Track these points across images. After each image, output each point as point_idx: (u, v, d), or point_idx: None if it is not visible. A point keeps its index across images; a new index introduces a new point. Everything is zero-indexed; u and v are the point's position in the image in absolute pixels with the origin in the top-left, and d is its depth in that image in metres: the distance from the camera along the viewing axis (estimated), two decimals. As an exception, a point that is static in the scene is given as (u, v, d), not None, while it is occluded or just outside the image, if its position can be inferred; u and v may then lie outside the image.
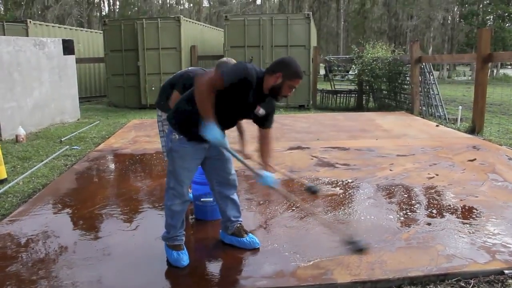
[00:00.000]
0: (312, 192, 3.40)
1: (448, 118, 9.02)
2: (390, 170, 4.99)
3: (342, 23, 40.10)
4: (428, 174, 4.80)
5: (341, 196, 4.09)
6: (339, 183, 4.51)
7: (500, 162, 5.30)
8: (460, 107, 8.85)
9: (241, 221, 3.06)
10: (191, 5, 47.05)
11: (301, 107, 12.36)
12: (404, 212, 3.63)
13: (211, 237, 3.21)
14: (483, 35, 7.33)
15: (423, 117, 9.24)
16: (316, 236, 3.18)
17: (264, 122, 2.82)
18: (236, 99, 2.56)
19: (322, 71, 23.69)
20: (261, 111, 2.69)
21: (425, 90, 9.75)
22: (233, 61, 3.85)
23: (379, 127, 7.89)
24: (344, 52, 36.49)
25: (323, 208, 3.76)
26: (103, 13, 43.57)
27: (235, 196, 3.02)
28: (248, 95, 2.56)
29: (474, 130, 7.36)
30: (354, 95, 12.81)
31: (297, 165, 5.30)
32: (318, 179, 4.65)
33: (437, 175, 4.75)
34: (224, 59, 3.56)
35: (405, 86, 10.72)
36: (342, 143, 6.47)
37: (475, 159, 5.46)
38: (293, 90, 2.62)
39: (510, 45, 37.66)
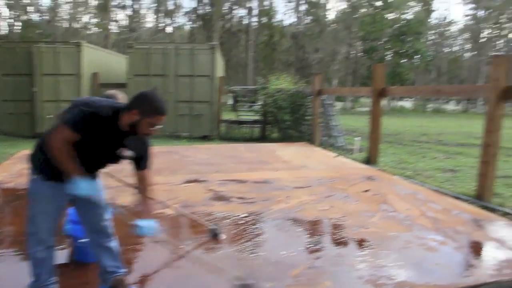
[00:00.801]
0: (214, 235, 3.23)
1: (348, 149, 9.29)
2: (286, 203, 4.92)
3: (251, 53, 40.94)
4: (323, 206, 4.79)
5: (233, 232, 3.92)
6: (233, 218, 4.35)
7: (392, 192, 5.44)
8: (359, 138, 9.16)
9: (121, 272, 2.73)
10: (101, 30, 45.81)
11: (205, 138, 12.22)
12: (296, 247, 3.54)
13: (92, 281, 2.89)
14: (377, 70, 7.67)
15: (323, 148, 9.44)
16: (204, 279, 2.98)
17: (139, 163, 2.58)
18: (94, 142, 2.33)
19: (231, 101, 23.92)
20: (128, 152, 2.46)
21: (326, 121, 10.02)
22: (120, 94, 3.60)
23: (279, 158, 7.91)
24: (253, 82, 37.17)
25: (214, 245, 3.57)
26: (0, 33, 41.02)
27: (111, 244, 2.70)
28: (104, 137, 2.33)
29: (370, 160, 7.61)
30: (258, 125, 12.91)
31: (192, 199, 5.08)
32: (211, 214, 4.45)
33: (331, 207, 4.76)
34: (112, 91, 3.32)
35: (308, 117, 10.97)
36: (241, 176, 6.36)
37: (369, 190, 5.57)
38: (156, 127, 2.38)
39: (406, 79, 40.46)
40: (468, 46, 56.74)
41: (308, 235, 3.86)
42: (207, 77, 12.22)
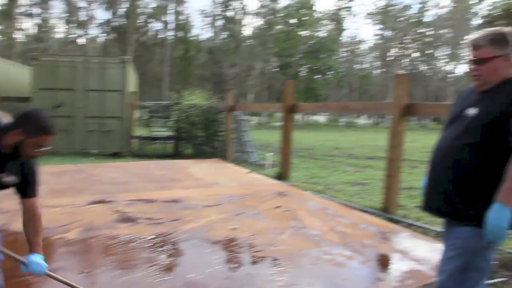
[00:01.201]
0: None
1: (261, 164, 9.29)
2: (195, 223, 4.75)
3: (167, 68, 40.44)
4: (233, 225, 4.67)
5: (139, 256, 3.68)
6: (139, 240, 4.10)
7: (302, 208, 5.45)
8: (271, 153, 9.19)
9: None
10: (4, 38, 43.07)
11: (116, 155, 11.74)
12: (205, 269, 3.37)
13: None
14: (288, 87, 7.75)
15: (236, 164, 9.38)
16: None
17: (24, 191, 2.29)
18: None
19: (147, 116, 23.20)
20: (9, 178, 2.18)
21: (239, 137, 9.98)
22: (3, 115, 3.27)
23: (191, 175, 7.72)
24: (168, 97, 36.64)
25: (117, 274, 3.32)
26: None
27: None
28: None
29: (282, 176, 7.63)
30: (172, 141, 12.63)
31: (96, 221, 4.75)
32: (116, 238, 4.18)
33: (241, 225, 4.65)
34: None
35: (221, 133, 10.89)
36: (150, 195, 6.09)
37: (279, 206, 5.54)
38: (42, 148, 2.14)
39: (319, 94, 41.86)
40: (377, 63, 60.01)
41: (217, 256, 3.71)
42: (118, 92, 11.80)
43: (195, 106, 11.18)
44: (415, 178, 8.14)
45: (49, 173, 7.56)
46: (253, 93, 42.37)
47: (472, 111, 2.19)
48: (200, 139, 11.59)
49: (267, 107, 13.90)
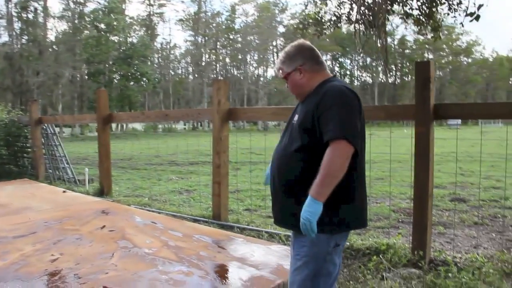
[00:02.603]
0: None
1: (78, 180, 8.55)
2: (3, 260, 4.04)
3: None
4: (52, 255, 4.09)
5: None
6: None
7: (129, 225, 5.07)
8: (87, 169, 8.51)
9: None
10: None
11: None
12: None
13: None
14: (101, 96, 7.20)
15: (50, 183, 8.47)
16: None
17: None
18: None
19: None
20: None
21: (50, 152, 9.04)
22: None
23: (-6, 201, 6.70)
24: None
25: None
26: None
27: None
28: None
29: (103, 192, 7.08)
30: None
31: None
32: None
33: (62, 254, 4.10)
34: None
35: (28, 150, 9.75)
36: None
37: (104, 226, 5.07)
38: None
39: (135, 101, 40.92)
40: (190, 69, 61.07)
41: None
42: None
43: (-7, 121, 9.82)
44: (240, 180, 8.31)
45: None
46: (62, 103, 39.47)
47: (295, 118, 2.29)
48: (3, 157, 10.23)
49: (79, 118, 12.80)
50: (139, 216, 5.56)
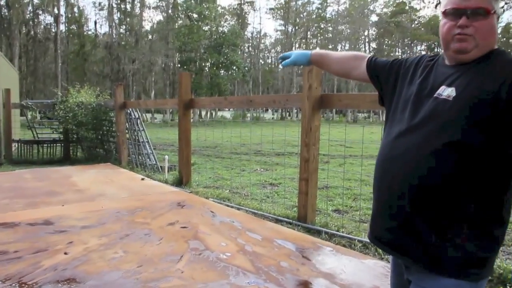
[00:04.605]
0: None
1: (161, 167, 8.27)
2: (65, 253, 3.66)
3: (60, 64, 37.53)
4: (115, 252, 3.65)
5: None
6: (-24, 290, 2.96)
7: (204, 222, 4.54)
8: (167, 156, 8.17)
9: None
10: None
11: (-9, 163, 10.08)
12: None
13: None
14: (183, 80, 6.75)
15: (132, 168, 8.24)
16: None
17: None
18: None
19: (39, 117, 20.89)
20: None
21: (134, 137, 8.84)
22: None
23: (73, 186, 6.50)
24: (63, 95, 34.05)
25: None
26: None
27: None
28: None
29: (181, 181, 6.66)
30: (60, 144, 11.14)
31: None
32: None
33: (125, 252, 3.64)
34: None
35: (114, 134, 9.67)
36: (13, 217, 4.85)
37: (176, 221, 4.58)
38: None
39: (224, 89, 41.18)
40: (280, 58, 60.77)
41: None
42: (-13, 90, 10.13)
43: (82, 104, 9.82)
44: (330, 175, 7.55)
45: None
46: (155, 89, 40.69)
47: (447, 92, 1.40)
48: (91, 141, 10.25)
49: (161, 103, 12.68)
50: (216, 211, 5.01)
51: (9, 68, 12.71)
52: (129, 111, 8.83)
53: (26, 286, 3.05)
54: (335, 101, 4.73)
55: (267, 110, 51.65)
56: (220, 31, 42.83)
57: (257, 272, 3.17)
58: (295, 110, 45.05)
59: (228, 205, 5.46)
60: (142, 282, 3.04)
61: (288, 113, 50.69)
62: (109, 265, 3.37)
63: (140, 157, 8.76)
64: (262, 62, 58.49)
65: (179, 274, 3.17)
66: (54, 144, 11.24)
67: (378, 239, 1.58)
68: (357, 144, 12.00)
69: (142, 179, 7.00)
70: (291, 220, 4.65)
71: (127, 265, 3.35)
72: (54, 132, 11.54)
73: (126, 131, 8.88)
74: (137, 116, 8.87)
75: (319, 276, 3.13)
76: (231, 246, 3.77)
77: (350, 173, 8.14)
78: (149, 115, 42.99)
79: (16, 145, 11.33)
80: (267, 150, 12.95)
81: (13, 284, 3.07)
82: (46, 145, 11.22)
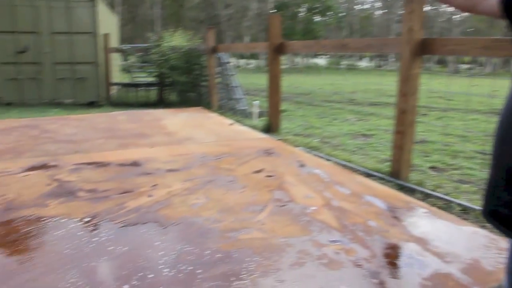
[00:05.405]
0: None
1: (250, 113, 8.15)
2: (149, 196, 3.65)
3: (158, 10, 38.42)
4: (197, 198, 3.57)
5: (51, 251, 2.58)
6: (66, 226, 3.02)
7: (291, 172, 4.33)
8: (257, 101, 7.98)
9: None
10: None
11: (92, 104, 10.56)
12: (134, 276, 2.28)
13: None
14: (273, 22, 6.42)
15: (221, 114, 8.19)
16: None
17: None
18: None
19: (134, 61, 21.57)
20: None
21: (225, 82, 8.76)
22: None
23: (163, 129, 6.57)
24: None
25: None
26: None
27: None
28: None
29: (270, 128, 6.48)
30: (155, 88, 11.41)
31: (23, 196, 3.66)
32: (40, 220, 3.10)
33: (207, 199, 3.55)
34: None
35: (205, 78, 9.66)
36: (104, 156, 4.98)
37: (262, 169, 4.43)
38: None
39: (319, 36, 40.06)
40: (378, 4, 57.56)
41: (162, 252, 2.62)
42: (89, 35, 10.47)
43: (175, 48, 9.87)
44: (427, 128, 6.98)
45: (-6, 130, 6.44)
46: (249, 35, 40.52)
47: None
48: (183, 85, 10.35)
49: (251, 46, 12.41)
50: (304, 161, 4.78)
51: (109, 15, 13.07)
52: (220, 56, 8.72)
53: (110, 224, 3.06)
54: (439, 46, 4.15)
55: (362, 58, 49.74)
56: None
57: (343, 230, 2.93)
58: (393, 59, 42.84)
59: (317, 155, 5.20)
60: (221, 231, 2.92)
61: (384, 61, 48.43)
62: (190, 211, 3.29)
63: (230, 102, 8.69)
64: (359, 8, 55.80)
65: (260, 226, 3.01)
66: (149, 88, 11.54)
67: (494, 215, 1.24)
68: (458, 97, 11.10)
69: (231, 124, 6.92)
70: (383, 175, 4.31)
71: (207, 212, 3.26)
72: (149, 76, 11.82)
73: (217, 75, 8.81)
74: (228, 61, 8.75)
75: (410, 241, 2.80)
76: (317, 199, 3.54)
77: (450, 128, 7.51)
78: (243, 61, 43.15)
79: (115, 88, 11.78)
80: (361, 100, 12.38)
81: (99, 222, 3.09)
82: (142, 88, 11.56)
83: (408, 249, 2.68)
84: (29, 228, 2.99)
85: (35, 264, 2.39)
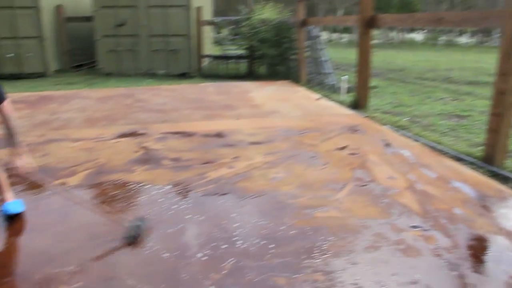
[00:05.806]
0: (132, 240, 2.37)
1: (339, 88, 7.98)
2: (230, 167, 3.71)
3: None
4: (277, 173, 3.57)
5: (133, 216, 2.72)
6: (149, 192, 3.16)
7: (375, 151, 4.19)
8: (346, 76, 7.77)
9: None
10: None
11: (184, 75, 10.89)
12: (206, 246, 2.33)
13: None
14: (364, -6, 6.14)
15: (308, 88, 8.09)
16: None
17: None
18: None
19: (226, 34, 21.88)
20: None
21: (314, 56, 8.62)
22: None
23: (250, 101, 6.63)
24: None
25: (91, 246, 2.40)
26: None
27: None
28: None
29: (358, 104, 6.30)
30: (245, 61, 11.51)
31: (112, 162, 3.89)
32: (125, 186, 3.28)
33: (287, 174, 3.54)
34: None
35: (294, 52, 9.56)
36: (190, 127, 5.13)
37: (345, 146, 4.33)
38: None
39: (417, 9, 38.04)
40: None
41: (237, 224, 2.66)
42: (182, 7, 10.72)
43: (265, 21, 9.84)
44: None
45: (93, 99, 6.85)
46: (343, 8, 39.43)
47: None
48: (272, 58, 10.31)
49: (341, 20, 12.02)
50: (390, 140, 4.60)
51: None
52: (310, 29, 8.56)
53: (190, 193, 3.15)
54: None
55: (462, 33, 46.52)
56: None
57: (424, 215, 2.78)
58: (496, 34, 39.63)
59: (404, 135, 4.99)
60: (298, 207, 2.90)
61: (488, 37, 45.02)
62: (268, 185, 3.31)
63: (319, 76, 8.55)
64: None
65: (337, 205, 2.95)
66: (239, 60, 11.66)
67: None
68: None
69: (318, 99, 6.83)
70: (474, 160, 4.03)
71: (286, 187, 3.25)
72: (240, 48, 11.92)
73: (307, 49, 8.68)
74: (318, 34, 8.58)
75: (498, 233, 2.58)
76: (400, 181, 3.40)
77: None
78: (335, 35, 42.19)
79: (207, 60, 12.03)
80: (458, 78, 11.65)
81: (180, 191, 3.20)
82: (232, 60, 11.71)
83: (496, 243, 2.49)
84: (116, 192, 3.17)
85: (116, 229, 2.52)
